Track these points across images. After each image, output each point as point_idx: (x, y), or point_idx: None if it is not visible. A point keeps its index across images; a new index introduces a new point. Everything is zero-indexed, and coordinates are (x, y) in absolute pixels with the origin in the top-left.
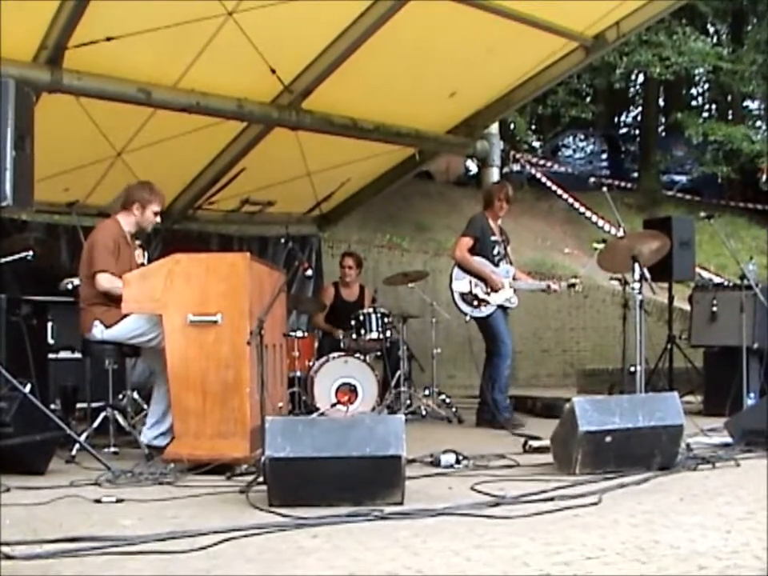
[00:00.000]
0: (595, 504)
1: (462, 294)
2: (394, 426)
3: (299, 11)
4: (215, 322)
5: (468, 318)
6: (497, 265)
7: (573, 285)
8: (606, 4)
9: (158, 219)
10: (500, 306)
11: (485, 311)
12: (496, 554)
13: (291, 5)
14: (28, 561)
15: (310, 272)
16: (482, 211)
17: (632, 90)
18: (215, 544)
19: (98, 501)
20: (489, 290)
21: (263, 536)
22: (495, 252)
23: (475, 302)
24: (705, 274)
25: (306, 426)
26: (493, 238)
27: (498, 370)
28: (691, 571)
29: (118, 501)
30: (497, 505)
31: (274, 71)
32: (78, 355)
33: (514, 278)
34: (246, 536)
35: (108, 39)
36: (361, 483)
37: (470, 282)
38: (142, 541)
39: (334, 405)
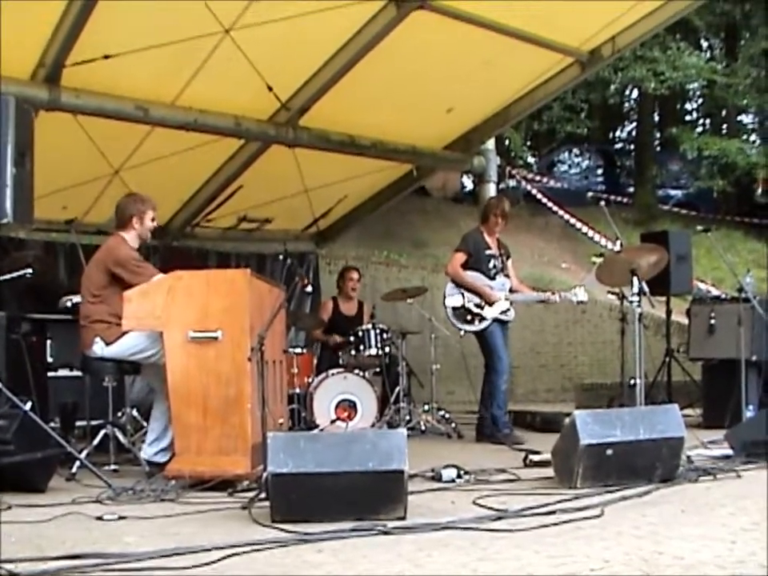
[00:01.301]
0: (598, 516)
1: (455, 309)
2: (396, 440)
3: (296, 29)
4: (216, 338)
5: (462, 332)
6: (493, 278)
7: (576, 295)
8: (601, 19)
9: (155, 224)
10: (496, 321)
11: (479, 326)
12: (501, 567)
13: (288, 22)
14: None
15: (309, 288)
16: (478, 226)
17: (627, 105)
18: (220, 559)
19: (99, 518)
20: (482, 303)
21: (268, 551)
22: (491, 266)
23: (468, 317)
24: (702, 286)
25: (308, 442)
26: (488, 252)
27: (495, 385)
28: None
29: (120, 518)
30: (500, 518)
31: (270, 88)
32: (76, 373)
33: (510, 291)
34: (250, 551)
35: (106, 57)
36: (363, 498)
37: (463, 297)
38: (146, 557)
39: (333, 421)
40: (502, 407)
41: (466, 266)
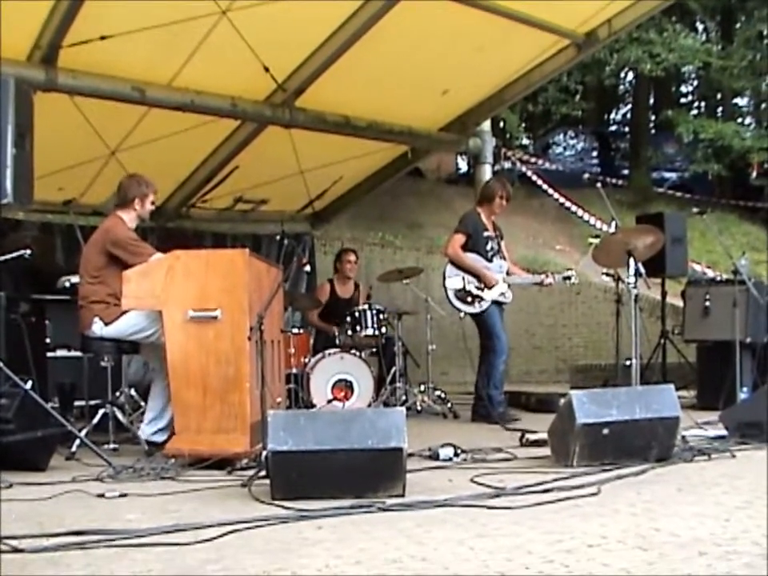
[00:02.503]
0: (594, 494)
1: (456, 291)
2: (395, 418)
3: (292, 10)
4: (215, 317)
5: (462, 314)
6: (490, 260)
7: (568, 277)
8: (597, 2)
9: (154, 207)
10: (495, 302)
11: (479, 307)
12: (499, 543)
13: (284, 4)
14: (36, 553)
15: (308, 268)
16: (475, 207)
17: (622, 87)
18: (221, 536)
19: (101, 495)
20: (482, 285)
21: (268, 528)
22: (488, 248)
23: (469, 299)
24: (697, 268)
25: (308, 420)
26: (486, 234)
27: (493, 365)
28: (692, 557)
29: (121, 495)
30: (497, 496)
31: (267, 69)
32: (75, 353)
33: (507, 273)
34: (250, 528)
35: (102, 38)
36: (363, 475)
37: (464, 279)
38: (147, 533)
39: (330, 401)
40: (499, 387)
41: (464, 247)
